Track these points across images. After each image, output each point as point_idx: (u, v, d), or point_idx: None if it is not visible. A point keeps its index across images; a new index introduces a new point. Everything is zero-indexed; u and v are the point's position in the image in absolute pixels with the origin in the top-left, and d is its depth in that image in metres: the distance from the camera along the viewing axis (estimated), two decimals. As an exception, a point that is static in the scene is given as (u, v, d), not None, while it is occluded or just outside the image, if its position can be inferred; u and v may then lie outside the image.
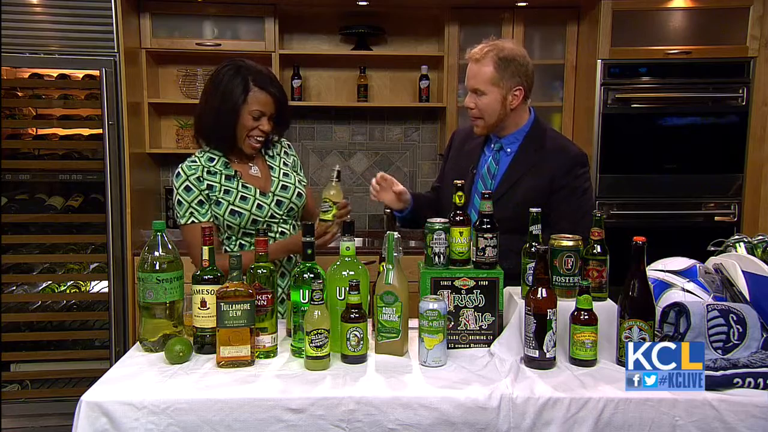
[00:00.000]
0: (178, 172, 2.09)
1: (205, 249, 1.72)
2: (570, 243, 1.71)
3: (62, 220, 3.49)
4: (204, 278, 1.70)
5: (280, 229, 2.16)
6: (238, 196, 2.09)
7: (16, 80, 3.50)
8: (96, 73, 3.27)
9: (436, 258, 1.74)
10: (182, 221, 2.09)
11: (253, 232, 2.10)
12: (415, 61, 3.89)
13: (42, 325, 3.53)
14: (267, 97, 2.07)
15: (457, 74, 3.75)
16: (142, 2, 3.59)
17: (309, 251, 1.72)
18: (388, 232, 1.70)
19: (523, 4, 3.64)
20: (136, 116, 3.54)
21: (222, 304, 1.59)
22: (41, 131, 3.62)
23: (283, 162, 2.24)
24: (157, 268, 1.70)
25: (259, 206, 2.11)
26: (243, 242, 2.13)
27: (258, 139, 2.10)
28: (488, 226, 1.73)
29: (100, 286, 3.54)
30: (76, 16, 3.27)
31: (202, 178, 2.07)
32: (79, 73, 3.41)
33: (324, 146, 4.09)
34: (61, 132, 3.56)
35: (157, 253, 1.71)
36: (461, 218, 1.75)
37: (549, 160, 2.11)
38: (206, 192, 2.07)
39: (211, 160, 2.12)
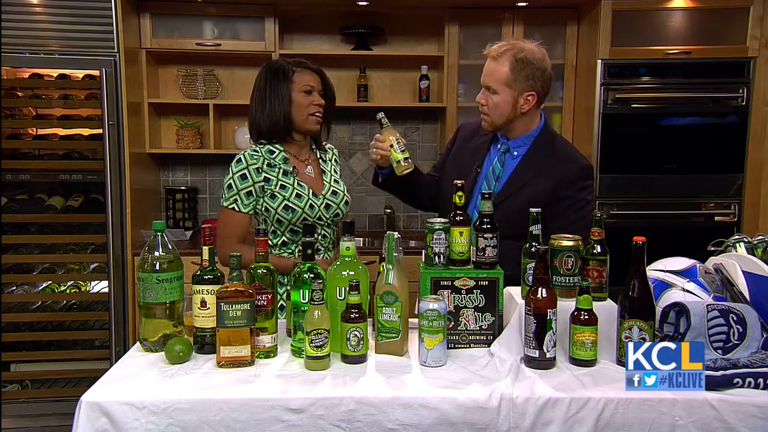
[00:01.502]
0: (239, 158, 2.14)
1: (205, 249, 1.72)
2: (570, 243, 1.71)
3: (62, 220, 3.49)
4: (204, 278, 1.70)
5: (323, 233, 2.22)
6: (294, 193, 2.14)
7: (16, 80, 3.50)
8: (96, 73, 3.27)
9: (436, 258, 1.74)
10: (224, 203, 2.15)
11: (299, 230, 2.15)
12: (415, 61, 3.90)
13: (42, 325, 3.53)
14: (310, 73, 2.17)
15: (457, 74, 3.75)
16: (142, 2, 3.59)
17: (309, 251, 1.72)
18: (388, 232, 1.70)
19: (523, 4, 3.64)
20: (136, 116, 3.54)
21: (222, 304, 1.59)
22: (41, 131, 3.62)
23: (334, 169, 2.32)
24: (157, 268, 1.70)
25: (311, 206, 2.16)
26: (286, 239, 2.17)
27: (318, 114, 2.17)
28: (488, 226, 1.73)
29: (100, 286, 3.55)
30: (76, 16, 3.27)
31: (261, 170, 2.13)
32: (79, 73, 3.41)
33: (324, 146, 4.08)
34: (61, 132, 3.56)
35: (157, 253, 1.70)
36: (461, 218, 1.75)
37: (556, 167, 2.09)
38: (261, 184, 2.12)
39: (271, 152, 2.17)
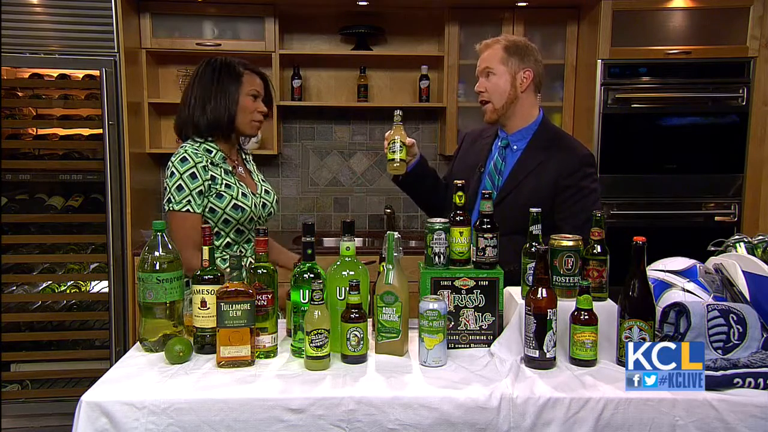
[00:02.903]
0: (184, 156, 2.04)
1: (205, 249, 1.72)
2: (570, 243, 1.71)
3: (62, 220, 3.49)
4: (204, 278, 1.70)
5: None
6: (240, 192, 2.11)
7: (16, 80, 3.50)
8: (96, 73, 3.27)
9: (436, 258, 1.74)
10: (175, 207, 2.02)
11: (244, 230, 2.14)
12: (415, 61, 3.89)
13: (42, 325, 3.53)
14: (257, 78, 2.16)
15: (457, 74, 3.75)
16: (142, 2, 3.59)
17: (309, 251, 1.72)
18: (388, 232, 1.70)
19: (523, 4, 3.64)
20: (136, 116, 3.54)
21: (222, 304, 1.59)
22: (41, 131, 3.62)
23: (256, 170, 2.33)
24: (157, 268, 1.70)
25: (255, 205, 2.15)
26: (231, 240, 2.13)
27: (259, 120, 2.17)
28: (488, 226, 1.73)
29: (100, 286, 3.54)
30: (76, 16, 3.27)
31: (207, 168, 2.06)
32: (79, 73, 3.41)
33: (324, 146, 4.09)
34: (61, 132, 3.56)
35: (157, 253, 1.70)
36: (461, 218, 1.75)
37: (556, 158, 2.11)
38: (208, 183, 2.05)
39: (209, 151, 2.10)
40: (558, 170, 2.09)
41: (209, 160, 2.07)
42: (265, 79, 2.20)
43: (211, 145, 2.11)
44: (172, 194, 2.03)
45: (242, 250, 2.15)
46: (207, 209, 2.06)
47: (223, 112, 2.08)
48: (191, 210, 2.03)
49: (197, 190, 2.03)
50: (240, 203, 2.09)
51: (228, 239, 2.12)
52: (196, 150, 2.07)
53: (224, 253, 2.11)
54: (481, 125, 2.34)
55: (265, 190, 2.25)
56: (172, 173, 2.04)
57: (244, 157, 2.30)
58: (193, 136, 2.11)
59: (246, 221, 2.12)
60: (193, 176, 2.03)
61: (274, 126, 3.72)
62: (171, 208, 2.04)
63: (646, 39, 3.49)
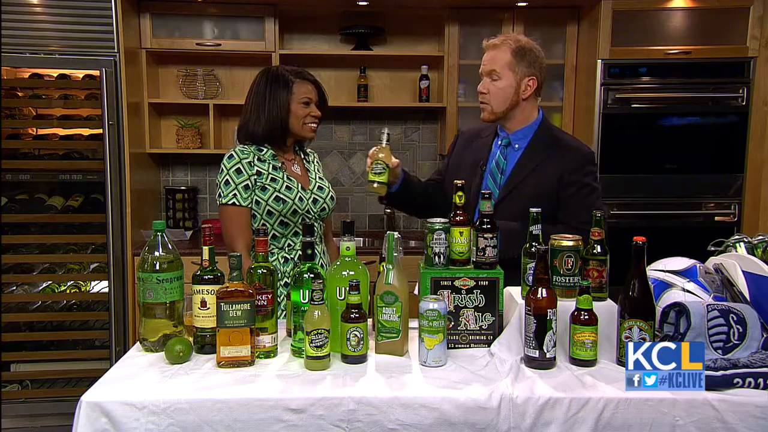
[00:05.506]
0: (231, 154, 2.20)
1: (205, 249, 1.72)
2: (570, 243, 1.71)
3: (62, 220, 3.49)
4: (204, 278, 1.70)
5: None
6: (284, 185, 2.21)
7: (16, 80, 3.50)
8: (96, 73, 3.27)
9: (436, 258, 1.74)
10: (224, 200, 2.18)
11: (289, 222, 2.22)
12: (415, 61, 3.90)
13: (42, 325, 3.53)
14: (309, 85, 2.26)
15: (457, 74, 3.75)
16: (142, 2, 3.59)
17: (309, 251, 1.72)
18: (388, 232, 1.70)
19: (523, 4, 3.64)
20: (136, 116, 3.54)
21: (222, 304, 1.59)
22: (41, 131, 3.62)
23: (317, 169, 2.41)
24: (157, 268, 1.70)
25: (300, 199, 2.23)
26: (277, 233, 2.22)
27: (313, 124, 2.28)
28: (488, 226, 1.73)
29: (100, 286, 3.54)
30: (76, 16, 3.27)
31: (252, 164, 2.19)
32: (79, 73, 3.41)
33: (324, 146, 4.08)
34: (61, 132, 3.56)
35: (157, 253, 1.71)
36: (461, 218, 1.75)
37: (559, 155, 2.12)
38: (254, 177, 2.18)
39: (260, 150, 2.23)
40: (562, 166, 2.09)
41: (257, 157, 2.20)
42: (316, 84, 2.29)
43: (264, 145, 2.23)
44: (221, 189, 2.19)
45: (290, 243, 2.24)
46: (253, 202, 2.18)
47: (277, 121, 2.21)
48: (237, 203, 2.16)
49: (243, 185, 2.17)
50: (282, 196, 2.19)
51: (274, 231, 2.22)
52: (244, 148, 2.21)
53: (271, 245, 2.21)
54: (480, 124, 2.34)
55: (319, 186, 2.32)
56: (221, 170, 2.20)
57: (303, 156, 2.38)
58: (248, 141, 2.24)
59: (288, 213, 2.20)
60: (238, 171, 2.17)
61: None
62: (220, 202, 2.20)
63: (646, 39, 3.49)
